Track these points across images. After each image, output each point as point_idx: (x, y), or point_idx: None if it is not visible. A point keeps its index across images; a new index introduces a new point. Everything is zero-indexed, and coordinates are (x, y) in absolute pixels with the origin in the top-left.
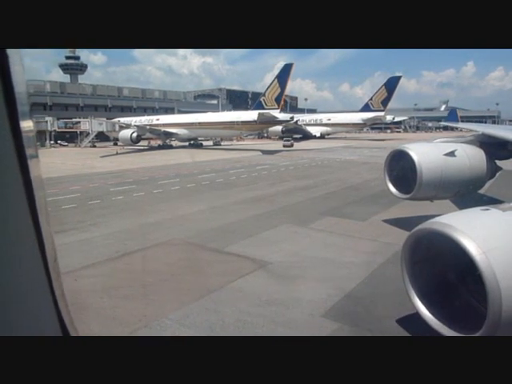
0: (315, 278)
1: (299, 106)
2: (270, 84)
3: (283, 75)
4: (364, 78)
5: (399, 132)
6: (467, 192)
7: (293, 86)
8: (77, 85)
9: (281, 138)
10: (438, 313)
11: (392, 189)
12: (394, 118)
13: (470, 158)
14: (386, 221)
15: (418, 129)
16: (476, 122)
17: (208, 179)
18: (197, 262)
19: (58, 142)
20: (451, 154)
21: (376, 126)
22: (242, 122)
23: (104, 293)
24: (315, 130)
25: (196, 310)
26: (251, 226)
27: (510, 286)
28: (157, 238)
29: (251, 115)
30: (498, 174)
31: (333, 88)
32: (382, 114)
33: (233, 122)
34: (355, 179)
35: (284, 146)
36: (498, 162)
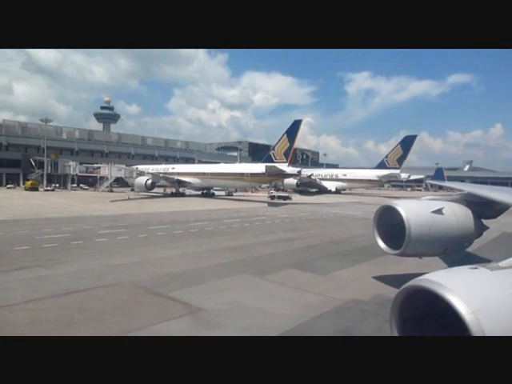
0: (237, 327)
1: (321, 161)
2: (280, 138)
3: (292, 130)
4: (389, 136)
5: (420, 190)
6: (455, 250)
7: (317, 142)
8: (104, 132)
9: (296, 191)
10: None
11: (381, 244)
12: (409, 176)
13: (458, 216)
14: (345, 276)
15: (440, 188)
16: (501, 183)
17: (198, 227)
18: (133, 303)
19: (80, 185)
20: (439, 211)
21: (396, 183)
22: (251, 174)
23: (27, 326)
24: (331, 185)
25: None
26: (210, 274)
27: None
28: (111, 279)
29: (260, 168)
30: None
31: (358, 144)
32: (397, 171)
33: (242, 173)
34: (343, 234)
35: (269, 197)
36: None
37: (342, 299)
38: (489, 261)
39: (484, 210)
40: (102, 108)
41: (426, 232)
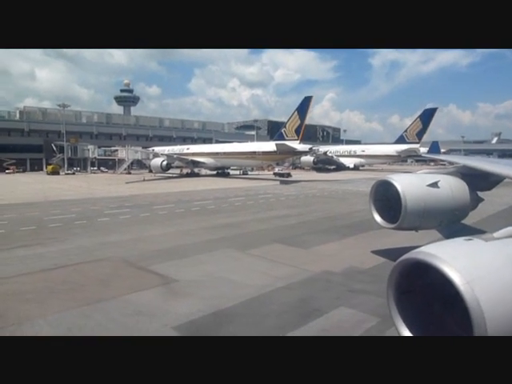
0: (202, 296)
1: (342, 137)
2: (291, 116)
3: (303, 107)
4: (415, 110)
5: (444, 165)
6: (451, 222)
7: (341, 118)
8: (122, 115)
9: (313, 169)
10: None
11: (377, 218)
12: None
13: (453, 188)
14: (327, 250)
15: None
16: None
17: (201, 206)
18: (114, 276)
19: (101, 168)
20: (434, 184)
21: (420, 158)
22: (263, 152)
23: (13, 296)
24: (349, 162)
25: (73, 314)
26: (196, 249)
27: (495, 315)
28: (102, 255)
29: (271, 146)
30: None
31: (382, 119)
32: (416, 146)
33: (254, 152)
34: (343, 210)
35: (274, 174)
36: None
37: (314, 271)
38: (484, 232)
39: (479, 182)
40: (122, 91)
41: (422, 205)
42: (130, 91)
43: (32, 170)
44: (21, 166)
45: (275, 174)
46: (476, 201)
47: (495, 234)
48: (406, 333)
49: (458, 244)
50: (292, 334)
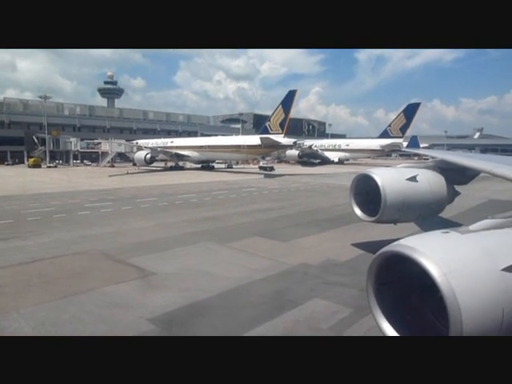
0: (179, 289)
1: (327, 131)
2: (275, 110)
3: (287, 101)
4: (400, 104)
5: (427, 159)
6: (428, 215)
7: (327, 112)
8: (105, 108)
9: (298, 163)
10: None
11: (358, 212)
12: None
13: (431, 182)
14: (306, 243)
15: None
16: None
17: (184, 199)
18: (92, 269)
19: (84, 161)
20: (413, 178)
21: (403, 153)
22: (248, 145)
23: None
24: (333, 156)
25: (48, 307)
26: (176, 242)
27: (470, 306)
28: (80, 248)
29: (256, 140)
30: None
31: (367, 114)
32: (400, 140)
33: (239, 145)
34: (325, 203)
35: (259, 167)
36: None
37: (292, 264)
38: (460, 225)
39: (456, 176)
40: (106, 83)
41: (401, 199)
42: (114, 83)
43: (13, 163)
44: (11, 159)
45: (260, 167)
46: (453, 195)
47: (471, 227)
48: (384, 323)
49: (436, 237)
50: (266, 325)
